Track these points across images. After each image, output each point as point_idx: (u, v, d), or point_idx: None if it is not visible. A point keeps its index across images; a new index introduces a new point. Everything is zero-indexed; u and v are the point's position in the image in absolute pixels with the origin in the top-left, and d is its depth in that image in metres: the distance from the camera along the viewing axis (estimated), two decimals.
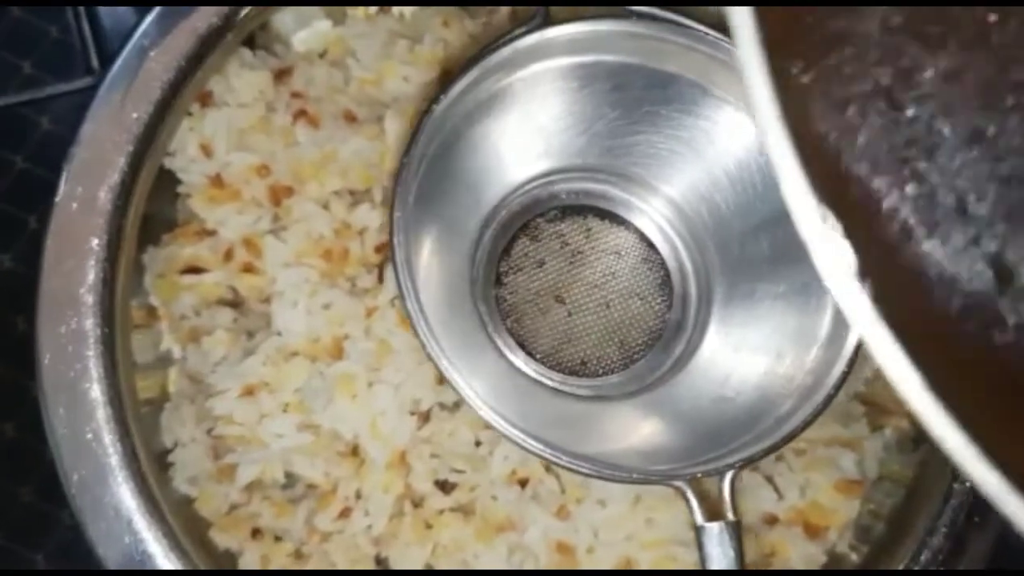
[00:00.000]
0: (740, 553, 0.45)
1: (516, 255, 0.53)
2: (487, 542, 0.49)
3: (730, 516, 0.45)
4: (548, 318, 0.52)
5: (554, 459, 0.44)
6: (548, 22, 0.48)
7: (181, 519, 0.47)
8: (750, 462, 0.46)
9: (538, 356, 0.52)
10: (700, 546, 0.45)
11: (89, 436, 0.44)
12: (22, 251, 0.58)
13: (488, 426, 0.46)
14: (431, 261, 0.48)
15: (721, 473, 0.45)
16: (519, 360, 0.51)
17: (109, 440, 0.44)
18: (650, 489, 0.49)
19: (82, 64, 0.59)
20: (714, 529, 0.45)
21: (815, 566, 0.51)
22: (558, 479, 0.50)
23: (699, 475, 0.45)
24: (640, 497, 0.50)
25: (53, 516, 0.56)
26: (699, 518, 0.45)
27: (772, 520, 0.51)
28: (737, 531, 0.45)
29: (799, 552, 0.51)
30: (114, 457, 0.44)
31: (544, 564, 0.49)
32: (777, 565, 0.51)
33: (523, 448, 0.44)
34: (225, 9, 0.49)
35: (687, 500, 0.45)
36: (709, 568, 0.45)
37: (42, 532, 0.56)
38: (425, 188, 0.47)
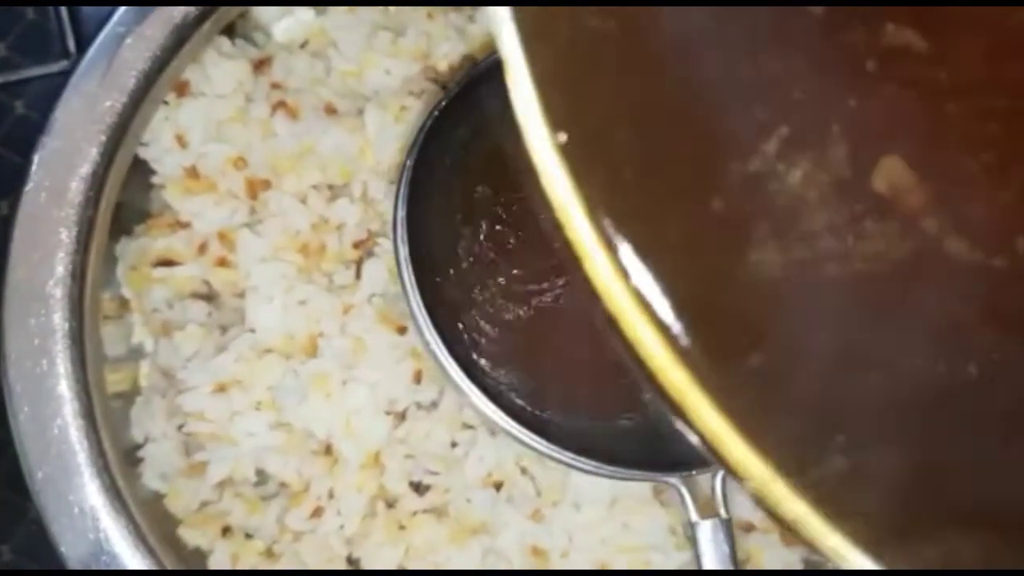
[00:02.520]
0: (733, 550, 0.45)
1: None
2: (461, 545, 0.48)
3: (723, 513, 0.46)
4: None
5: (555, 455, 0.44)
6: None
7: (150, 516, 0.47)
8: None
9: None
10: (694, 543, 0.46)
11: (55, 433, 0.44)
12: None
13: (469, 426, 0.46)
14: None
15: (714, 471, 0.46)
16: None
17: (76, 437, 0.44)
18: (627, 493, 0.49)
19: (59, 47, 0.58)
20: (708, 526, 0.45)
21: None
22: (533, 482, 0.50)
23: (693, 472, 0.46)
24: (616, 501, 0.49)
25: (19, 507, 0.54)
26: (693, 515, 0.46)
27: (749, 527, 0.51)
28: (729, 528, 0.46)
29: (775, 558, 0.50)
30: (81, 455, 0.44)
31: (518, 568, 0.49)
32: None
33: (526, 445, 0.44)
34: None
35: (681, 497, 0.45)
36: (703, 565, 0.46)
37: (8, 524, 0.55)
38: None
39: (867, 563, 0.22)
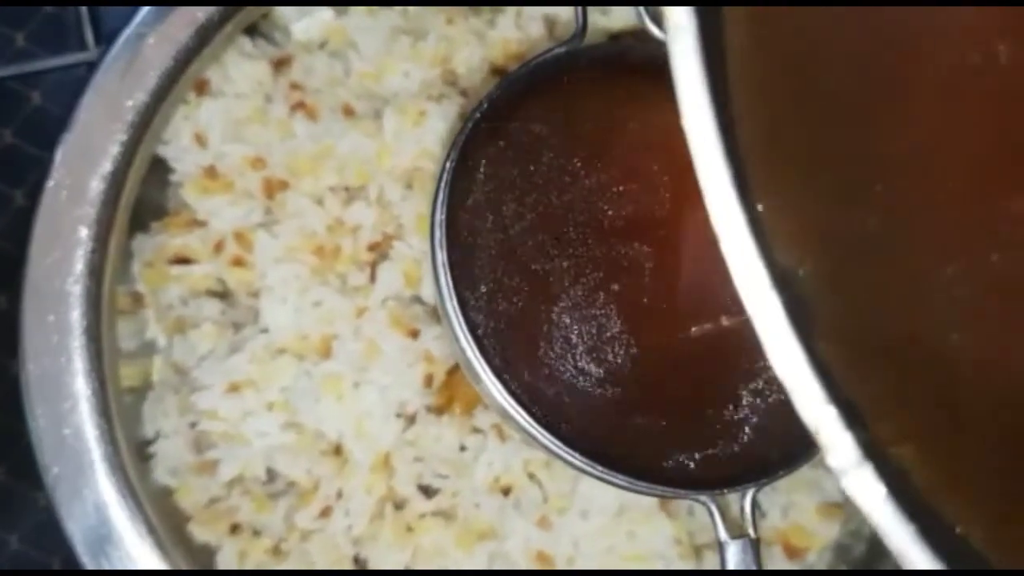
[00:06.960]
0: (760, 569, 0.45)
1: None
2: (467, 549, 0.49)
3: (752, 533, 0.45)
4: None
5: (588, 469, 0.44)
6: (583, 38, 0.47)
7: (159, 511, 0.47)
8: (774, 479, 0.46)
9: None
10: (722, 562, 0.45)
11: (71, 429, 0.44)
12: (6, 227, 0.57)
13: (478, 430, 0.45)
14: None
15: (744, 490, 0.45)
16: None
17: (91, 434, 0.44)
18: (634, 503, 0.49)
19: (76, 39, 0.58)
20: (736, 546, 0.45)
21: None
22: (541, 488, 0.50)
23: (724, 492, 0.45)
24: (623, 510, 0.50)
25: (28, 497, 0.55)
26: (723, 534, 0.45)
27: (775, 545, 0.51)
28: (757, 548, 0.45)
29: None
30: (95, 451, 0.44)
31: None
32: None
33: (563, 459, 0.44)
34: None
35: (711, 515, 0.45)
36: None
37: (16, 513, 0.55)
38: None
39: None
